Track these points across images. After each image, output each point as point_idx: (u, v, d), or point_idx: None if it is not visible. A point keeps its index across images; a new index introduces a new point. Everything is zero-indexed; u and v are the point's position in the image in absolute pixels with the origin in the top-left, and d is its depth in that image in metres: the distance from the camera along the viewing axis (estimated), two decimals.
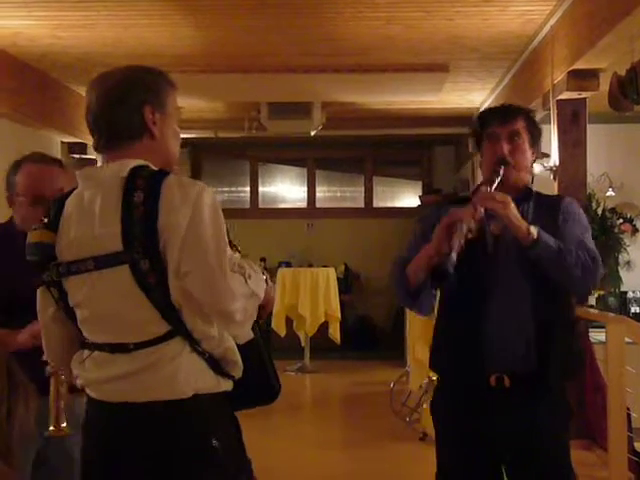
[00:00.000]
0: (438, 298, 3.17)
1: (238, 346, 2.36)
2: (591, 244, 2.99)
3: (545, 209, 3.08)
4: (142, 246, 2.20)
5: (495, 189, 2.97)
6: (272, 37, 7.22)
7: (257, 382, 2.44)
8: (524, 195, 3.10)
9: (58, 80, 8.74)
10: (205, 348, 2.28)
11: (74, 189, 2.42)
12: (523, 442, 2.97)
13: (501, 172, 3.00)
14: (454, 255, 2.75)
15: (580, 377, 3.26)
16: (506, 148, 3.04)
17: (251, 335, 2.38)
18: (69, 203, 2.38)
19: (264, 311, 2.45)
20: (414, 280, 3.00)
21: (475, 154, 10.82)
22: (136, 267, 2.21)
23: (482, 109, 3.25)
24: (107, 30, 6.92)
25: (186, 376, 2.25)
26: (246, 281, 2.29)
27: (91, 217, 2.28)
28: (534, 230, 2.87)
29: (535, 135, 3.14)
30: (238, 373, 2.36)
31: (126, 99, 2.34)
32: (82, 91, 9.23)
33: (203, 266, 2.20)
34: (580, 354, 3.15)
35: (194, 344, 2.27)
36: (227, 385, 2.35)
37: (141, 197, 2.22)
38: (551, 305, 2.98)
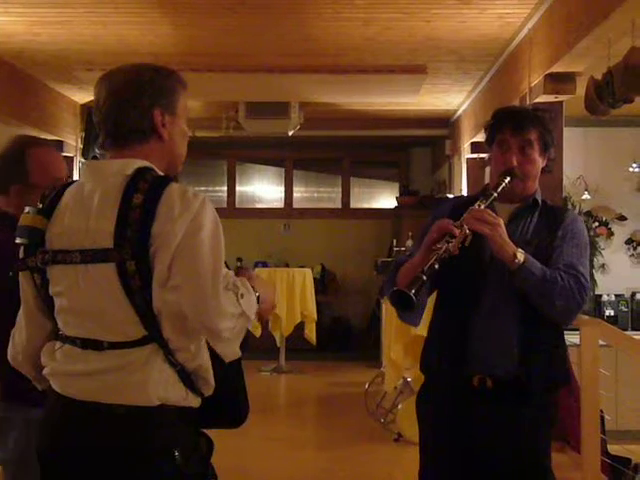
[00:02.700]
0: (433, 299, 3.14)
1: (220, 366, 2.32)
2: (583, 267, 2.93)
3: (547, 220, 3.04)
4: (132, 247, 2.17)
5: (498, 198, 2.96)
6: (251, 37, 7.20)
7: (226, 406, 2.39)
8: (530, 205, 3.07)
9: (35, 77, 8.68)
10: (179, 359, 2.24)
11: (74, 180, 2.41)
12: (502, 445, 2.96)
13: (504, 184, 2.96)
14: (425, 278, 2.69)
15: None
16: (516, 159, 2.98)
17: (238, 354, 2.34)
18: (68, 193, 2.35)
19: (263, 315, 2.43)
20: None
21: (452, 156, 10.87)
22: (122, 267, 2.18)
23: (498, 108, 3.18)
24: (85, 27, 6.88)
25: (155, 385, 2.21)
26: (238, 300, 2.24)
27: (87, 210, 2.26)
28: (520, 256, 2.83)
29: (548, 142, 3.05)
30: (208, 391, 2.32)
31: (136, 100, 2.31)
32: (60, 88, 9.18)
33: (195, 281, 2.16)
34: (565, 367, 3.12)
35: (168, 354, 2.23)
36: (195, 401, 2.31)
37: (140, 199, 2.19)
38: (540, 316, 2.93)
